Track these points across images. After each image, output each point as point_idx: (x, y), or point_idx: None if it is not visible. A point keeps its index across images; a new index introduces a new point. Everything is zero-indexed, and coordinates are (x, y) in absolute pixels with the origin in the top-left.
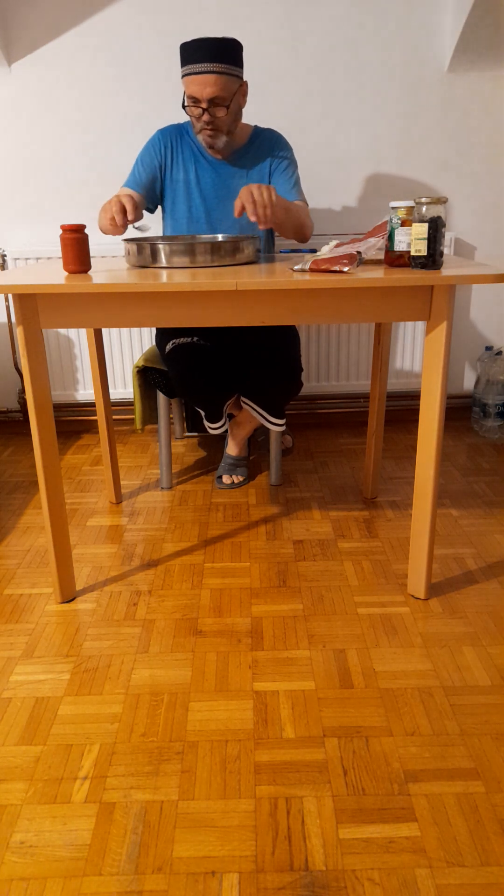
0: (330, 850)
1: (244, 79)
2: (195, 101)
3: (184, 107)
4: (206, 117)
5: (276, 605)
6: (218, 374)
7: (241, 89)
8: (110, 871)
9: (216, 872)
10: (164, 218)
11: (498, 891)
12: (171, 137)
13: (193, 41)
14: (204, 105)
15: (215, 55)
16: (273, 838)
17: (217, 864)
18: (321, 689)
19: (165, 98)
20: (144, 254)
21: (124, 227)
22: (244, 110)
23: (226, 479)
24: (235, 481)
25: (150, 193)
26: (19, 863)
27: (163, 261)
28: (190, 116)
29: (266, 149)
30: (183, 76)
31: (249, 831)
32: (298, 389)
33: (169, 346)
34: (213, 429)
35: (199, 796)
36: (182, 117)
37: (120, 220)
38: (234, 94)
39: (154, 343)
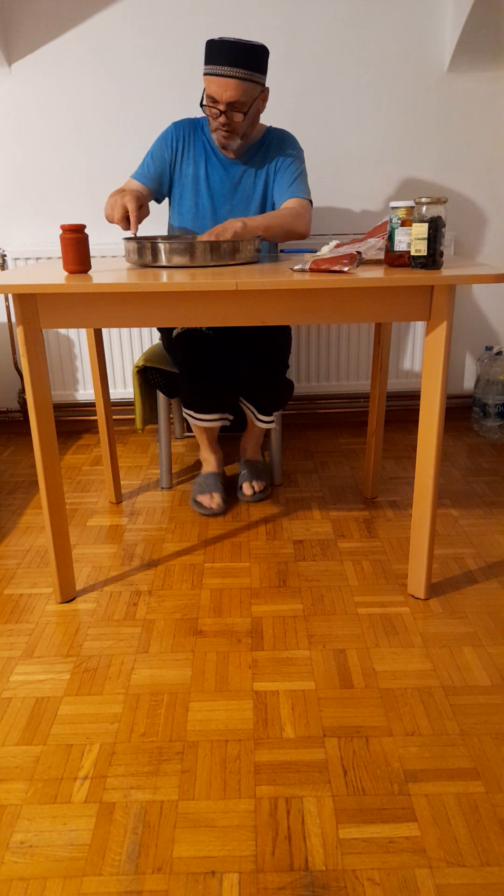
0: (330, 850)
1: (266, 85)
2: (214, 101)
3: (202, 105)
4: (222, 119)
5: (276, 605)
6: (220, 361)
7: (261, 95)
8: (110, 871)
9: (216, 872)
10: (170, 211)
11: (498, 891)
12: (185, 131)
13: (221, 41)
14: (222, 107)
15: (239, 60)
16: (273, 838)
17: (217, 864)
18: (321, 689)
19: (166, 97)
20: (144, 254)
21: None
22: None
23: (247, 490)
24: (256, 489)
25: (158, 186)
26: (19, 863)
27: (163, 260)
28: (207, 115)
29: (274, 150)
30: (205, 73)
31: (249, 831)
32: (288, 390)
33: (176, 331)
34: (206, 420)
35: (199, 796)
36: (193, 112)
37: (124, 226)
38: (253, 100)
39: (159, 338)
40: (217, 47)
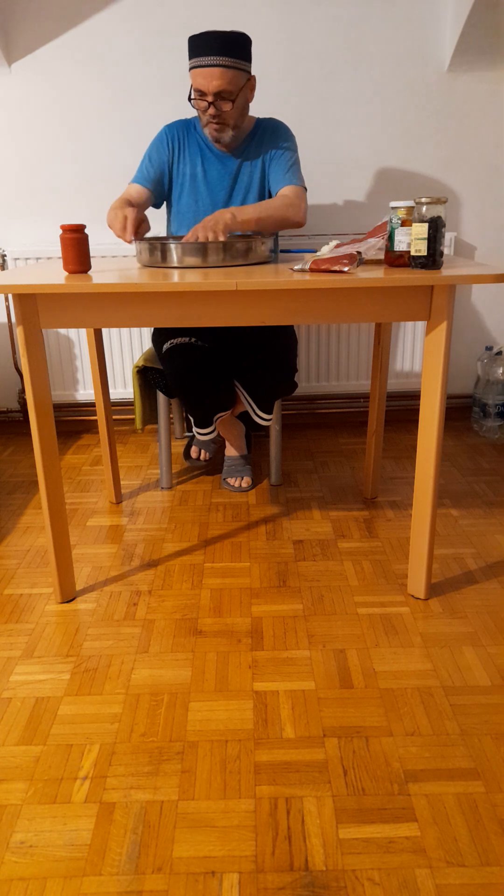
0: (330, 850)
1: (252, 73)
2: (201, 94)
3: (190, 100)
4: (211, 111)
5: (276, 605)
6: (214, 375)
7: (248, 84)
8: (110, 871)
9: (216, 872)
10: (168, 212)
11: (498, 891)
12: (178, 132)
13: (202, 34)
14: (210, 98)
15: (222, 49)
16: (273, 838)
17: (217, 864)
18: (321, 689)
19: (167, 97)
20: (155, 254)
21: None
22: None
23: (233, 482)
24: (244, 486)
25: (159, 188)
26: (19, 863)
27: (174, 261)
28: (196, 109)
29: (268, 139)
30: (190, 69)
31: (249, 831)
32: (291, 390)
33: (166, 346)
34: (203, 434)
35: (199, 796)
36: (189, 112)
37: (124, 237)
38: (240, 89)
39: (151, 342)
40: (199, 40)
